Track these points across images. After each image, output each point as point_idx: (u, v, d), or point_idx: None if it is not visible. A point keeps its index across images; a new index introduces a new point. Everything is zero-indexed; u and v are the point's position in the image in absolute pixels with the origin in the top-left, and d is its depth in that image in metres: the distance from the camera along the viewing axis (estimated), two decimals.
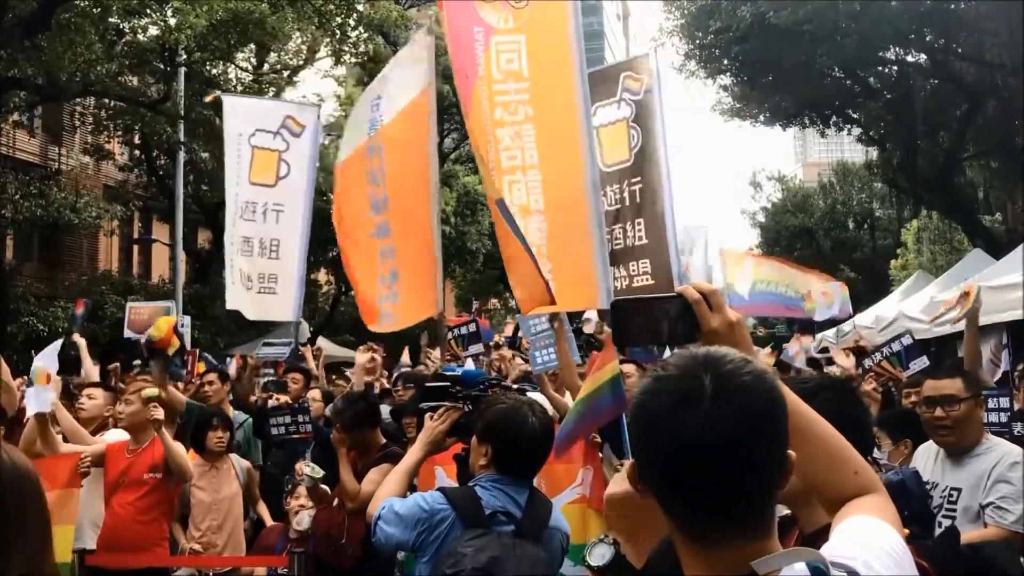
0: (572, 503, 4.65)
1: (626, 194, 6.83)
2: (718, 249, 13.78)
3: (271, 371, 9.12)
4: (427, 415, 3.36)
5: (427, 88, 6.87)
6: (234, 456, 6.14)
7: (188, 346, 9.53)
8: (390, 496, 3.07)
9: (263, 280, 8.44)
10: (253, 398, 7.76)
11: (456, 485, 3.34)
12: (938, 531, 3.55)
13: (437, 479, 4.20)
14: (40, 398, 5.20)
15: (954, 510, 3.76)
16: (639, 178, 6.83)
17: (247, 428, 6.93)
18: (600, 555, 1.93)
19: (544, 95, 5.73)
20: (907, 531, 1.59)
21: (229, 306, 8.62)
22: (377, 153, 7.03)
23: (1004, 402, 4.66)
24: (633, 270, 6.78)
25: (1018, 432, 4.70)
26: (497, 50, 5.68)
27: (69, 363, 7.69)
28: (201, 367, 8.69)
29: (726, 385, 1.31)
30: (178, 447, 5.31)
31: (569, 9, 5.80)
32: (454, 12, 5.91)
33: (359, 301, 7.29)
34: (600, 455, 4.68)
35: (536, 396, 5.49)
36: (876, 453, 5.38)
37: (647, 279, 6.67)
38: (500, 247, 5.61)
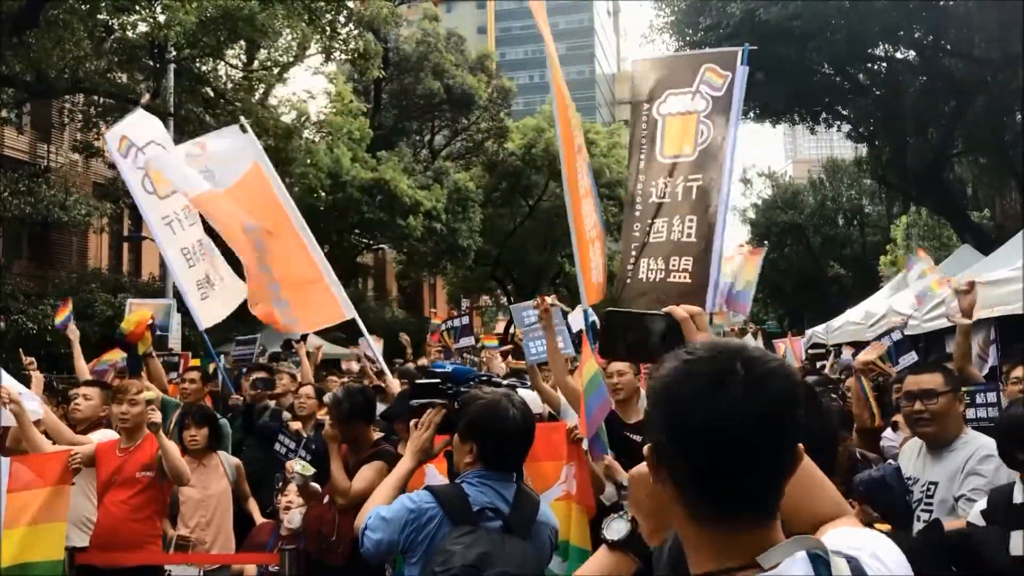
0: (558, 500, 4.67)
1: (680, 189, 6.53)
2: None
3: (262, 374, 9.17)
4: (411, 423, 3.34)
5: (256, 160, 8.18)
6: (223, 453, 6.13)
7: (179, 347, 9.52)
8: (380, 504, 3.06)
9: (210, 279, 9.18)
10: (240, 396, 7.75)
11: (447, 481, 3.34)
12: (917, 525, 3.59)
13: (427, 476, 4.20)
14: (27, 406, 5.21)
15: (932, 504, 3.81)
16: (699, 175, 6.53)
17: (223, 425, 6.92)
18: (616, 530, 1.95)
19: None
20: (888, 526, 1.62)
21: (212, 322, 9.11)
22: (230, 199, 8.05)
23: (991, 397, 4.70)
24: (673, 265, 6.48)
25: None
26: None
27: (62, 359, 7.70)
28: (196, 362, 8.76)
29: (756, 370, 1.33)
30: (175, 451, 5.31)
31: None
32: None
33: (257, 311, 8.07)
34: (585, 451, 4.70)
35: (526, 393, 5.51)
36: (889, 433, 5.46)
37: (684, 276, 6.41)
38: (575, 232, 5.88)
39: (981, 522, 3.52)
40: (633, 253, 6.58)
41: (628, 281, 6.56)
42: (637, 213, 6.66)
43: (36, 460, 5.12)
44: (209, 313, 8.98)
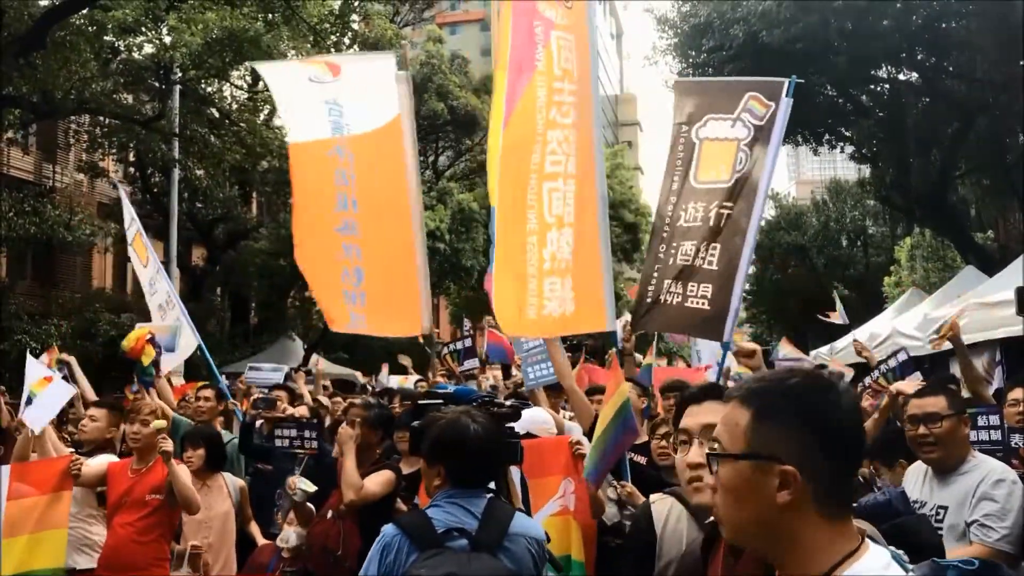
0: (555, 515, 4.63)
1: (712, 214, 6.39)
2: None
3: (266, 389, 9.15)
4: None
5: (400, 115, 6.52)
6: (227, 474, 6.11)
7: (182, 371, 9.49)
8: None
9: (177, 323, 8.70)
10: (240, 415, 7.75)
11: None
12: None
13: None
14: (36, 415, 5.22)
15: (941, 528, 3.75)
16: (731, 203, 6.40)
17: (233, 446, 6.92)
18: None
19: (582, 101, 5.34)
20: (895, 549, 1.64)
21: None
22: (346, 157, 6.58)
23: (994, 419, 4.66)
24: (692, 290, 6.36)
25: (1015, 444, 4.70)
26: (558, 45, 5.24)
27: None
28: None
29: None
30: (186, 479, 5.27)
31: (588, 12, 5.48)
32: (517, 5, 5.32)
33: (316, 296, 6.95)
34: (584, 466, 4.65)
35: (536, 411, 5.48)
36: (878, 482, 5.39)
37: (703, 303, 6.31)
38: (497, 259, 5.28)
39: (1007, 548, 3.52)
40: (655, 275, 6.51)
41: (648, 301, 6.51)
42: (664, 235, 6.57)
43: (36, 467, 5.11)
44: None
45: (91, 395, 7.39)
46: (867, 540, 1.47)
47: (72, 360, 7.61)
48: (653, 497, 2.81)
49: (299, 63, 7.83)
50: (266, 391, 8.94)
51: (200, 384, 8.23)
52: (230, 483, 6.04)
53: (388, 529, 2.93)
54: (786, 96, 6.53)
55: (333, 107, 6.56)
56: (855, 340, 11.21)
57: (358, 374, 17.34)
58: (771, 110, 6.53)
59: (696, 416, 2.32)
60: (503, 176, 5.05)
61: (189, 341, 8.54)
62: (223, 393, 7.73)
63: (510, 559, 2.91)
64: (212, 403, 7.28)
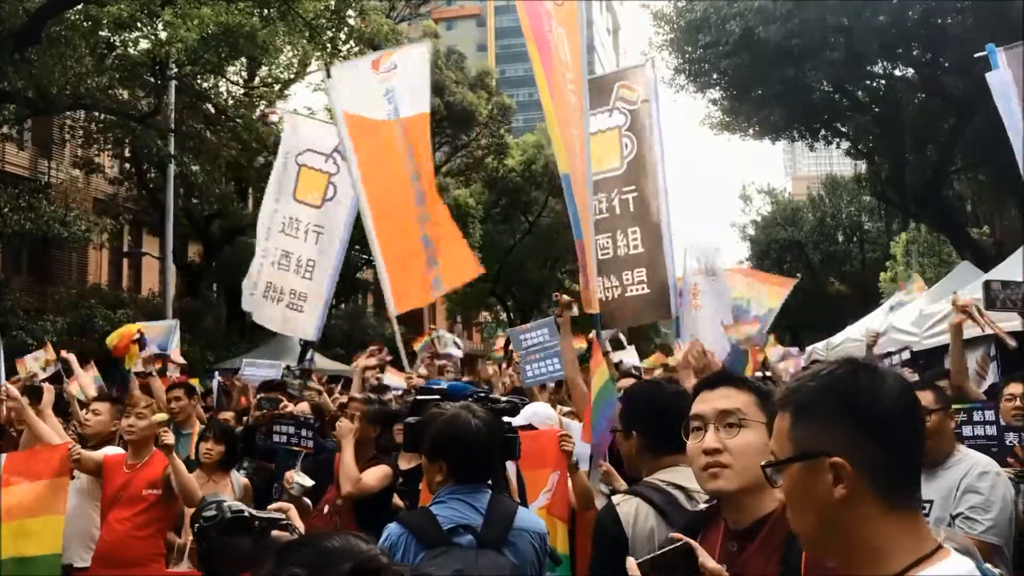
0: (540, 509, 4.65)
1: (616, 203, 6.81)
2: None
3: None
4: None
5: (425, 109, 7.70)
6: (234, 472, 6.10)
7: (182, 358, 9.45)
8: None
9: (293, 296, 8.65)
10: (245, 417, 7.73)
11: None
12: None
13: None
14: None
15: (928, 522, 3.77)
16: (633, 186, 6.81)
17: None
18: None
19: (579, 91, 5.69)
20: None
21: (249, 309, 8.85)
22: (405, 136, 7.51)
23: (990, 415, 4.67)
24: (627, 279, 6.70)
25: (1009, 442, 4.71)
26: (556, 38, 5.59)
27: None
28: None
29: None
30: (186, 472, 5.22)
31: (580, 12, 5.81)
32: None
33: (392, 279, 7.49)
34: (573, 462, 4.66)
35: (539, 406, 5.49)
36: None
37: (642, 288, 6.61)
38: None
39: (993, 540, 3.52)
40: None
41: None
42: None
43: (35, 453, 5.10)
44: (262, 312, 8.96)
45: (92, 391, 7.39)
46: (947, 545, 1.42)
47: (72, 357, 7.60)
48: (616, 498, 2.76)
49: (361, 60, 8.75)
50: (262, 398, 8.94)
51: (169, 384, 8.17)
52: (235, 481, 6.04)
53: (393, 528, 2.90)
54: (648, 76, 7.05)
55: (389, 94, 7.56)
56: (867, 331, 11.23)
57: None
58: (639, 94, 7.00)
59: (710, 402, 2.28)
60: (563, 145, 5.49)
61: (283, 322, 8.82)
62: (192, 390, 7.70)
63: (515, 554, 2.90)
64: (184, 401, 7.23)
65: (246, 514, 2.08)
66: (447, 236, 7.47)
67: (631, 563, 1.78)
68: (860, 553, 1.41)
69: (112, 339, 7.11)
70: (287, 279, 8.72)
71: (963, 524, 3.69)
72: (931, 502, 3.83)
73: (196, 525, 2.07)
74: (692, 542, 1.89)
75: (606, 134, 7.00)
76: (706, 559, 1.86)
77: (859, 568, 1.41)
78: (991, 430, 4.60)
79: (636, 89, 7.06)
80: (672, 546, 1.92)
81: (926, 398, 3.91)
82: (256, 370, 9.96)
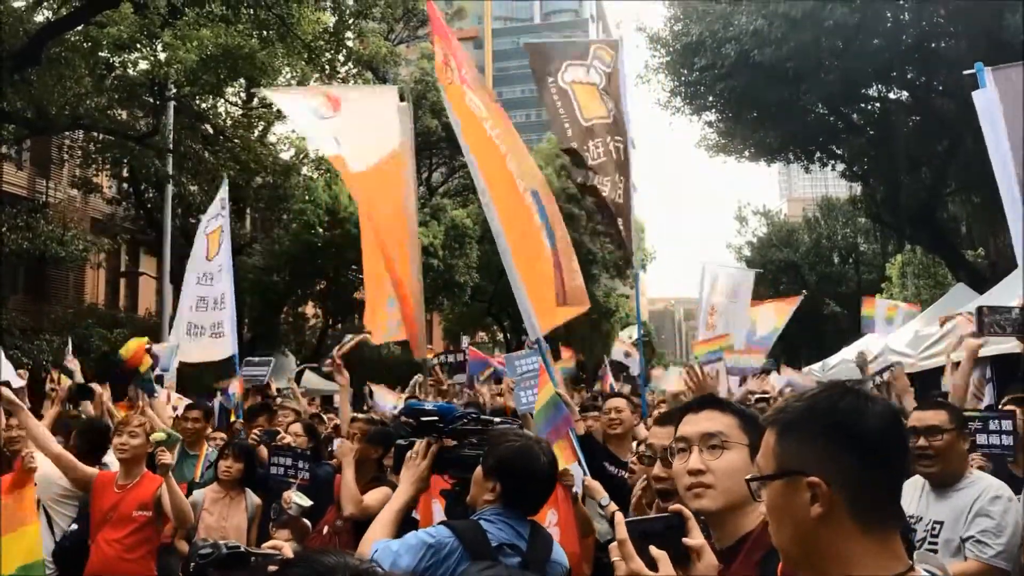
0: None
1: (612, 148, 6.97)
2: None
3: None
4: (407, 454, 3.37)
5: (403, 141, 6.69)
6: (248, 491, 6.09)
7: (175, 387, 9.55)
8: (380, 538, 3.02)
9: (215, 327, 9.59)
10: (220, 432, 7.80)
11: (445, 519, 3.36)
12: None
13: (435, 514, 4.19)
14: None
15: (936, 543, 3.76)
16: (620, 137, 6.99)
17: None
18: None
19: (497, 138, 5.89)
20: None
21: (185, 359, 9.65)
22: (361, 185, 6.86)
23: (1007, 424, 4.56)
24: (621, 225, 7.06)
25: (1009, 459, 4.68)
26: (472, 106, 5.76)
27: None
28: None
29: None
30: (181, 494, 5.20)
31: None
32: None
33: (368, 305, 7.46)
34: (575, 493, 4.63)
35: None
36: None
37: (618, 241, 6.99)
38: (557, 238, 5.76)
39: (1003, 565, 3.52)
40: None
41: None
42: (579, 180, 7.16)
43: None
44: (189, 351, 9.71)
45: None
46: (919, 568, 1.44)
47: (75, 365, 7.67)
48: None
49: (303, 93, 8.05)
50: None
51: (187, 404, 8.21)
52: (250, 499, 6.05)
53: (443, 530, 2.91)
54: (619, 53, 7.29)
55: (335, 143, 6.64)
56: (859, 352, 11.28)
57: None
58: (613, 58, 7.21)
59: (695, 424, 2.35)
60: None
61: (207, 351, 9.45)
62: (209, 412, 7.81)
63: None
64: (201, 423, 7.28)
65: (242, 550, 2.10)
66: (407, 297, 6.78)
67: (619, 519, 1.79)
68: (833, 571, 1.44)
69: (127, 351, 7.16)
70: (206, 316, 9.64)
71: (973, 548, 3.66)
72: (941, 523, 3.80)
73: (192, 564, 2.09)
74: (687, 513, 1.88)
75: (587, 87, 7.13)
76: (695, 535, 1.85)
77: None
78: (1007, 440, 4.54)
79: (612, 54, 7.28)
80: (664, 514, 1.93)
81: (939, 417, 3.90)
82: (252, 369, 10.58)
